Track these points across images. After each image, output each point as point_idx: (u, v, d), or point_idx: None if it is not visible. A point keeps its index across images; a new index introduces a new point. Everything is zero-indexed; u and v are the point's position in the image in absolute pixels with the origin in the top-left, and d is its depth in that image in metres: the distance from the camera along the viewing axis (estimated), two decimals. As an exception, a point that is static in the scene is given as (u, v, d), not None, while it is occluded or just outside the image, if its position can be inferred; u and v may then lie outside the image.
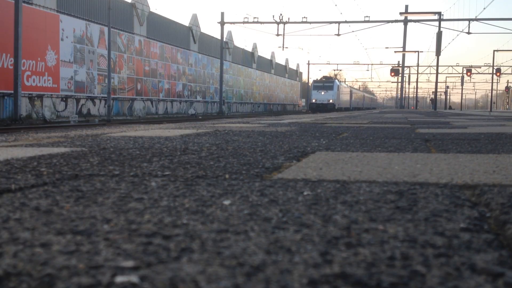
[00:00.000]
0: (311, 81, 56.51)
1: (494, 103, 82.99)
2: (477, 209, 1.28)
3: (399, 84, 51.88)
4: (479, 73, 65.95)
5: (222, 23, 36.04)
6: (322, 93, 45.78)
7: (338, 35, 35.05)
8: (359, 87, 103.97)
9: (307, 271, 0.79)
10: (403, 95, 51.08)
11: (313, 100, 46.13)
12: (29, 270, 0.78)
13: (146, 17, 29.81)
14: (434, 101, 58.00)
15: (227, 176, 1.84)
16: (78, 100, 23.07)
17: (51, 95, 21.09)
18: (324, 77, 49.00)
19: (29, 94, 19.62)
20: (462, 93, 54.73)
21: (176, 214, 1.20)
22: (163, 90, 31.33)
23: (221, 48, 36.78)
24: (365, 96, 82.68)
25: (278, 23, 35.10)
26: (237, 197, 1.42)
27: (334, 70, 71.05)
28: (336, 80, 48.51)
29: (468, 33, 33.16)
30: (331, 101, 45.62)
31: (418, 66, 58.77)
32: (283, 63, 63.93)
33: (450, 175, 1.87)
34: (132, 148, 2.95)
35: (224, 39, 38.10)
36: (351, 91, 60.25)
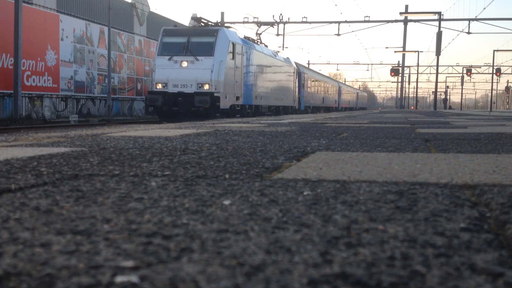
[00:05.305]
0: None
1: (494, 103, 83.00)
2: (477, 209, 1.28)
3: (399, 84, 51.60)
4: (479, 73, 65.97)
5: (222, 23, 36.05)
6: (184, 64, 17.84)
7: (338, 35, 35.01)
8: (359, 87, 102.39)
9: (307, 271, 0.79)
10: (403, 95, 50.52)
11: (157, 86, 17.84)
12: (29, 270, 0.78)
13: (146, 17, 29.79)
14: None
15: (227, 176, 1.84)
16: (78, 100, 23.06)
17: (51, 95, 21.08)
18: (193, 20, 20.24)
19: (29, 94, 19.60)
20: (462, 93, 54.75)
21: (176, 214, 1.20)
22: (163, 90, 31.27)
23: (220, 48, 36.60)
24: (343, 89, 52.16)
25: (278, 23, 35.08)
26: (237, 197, 1.42)
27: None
28: (226, 30, 19.53)
29: (468, 33, 33.15)
30: (206, 87, 17.52)
31: (418, 66, 58.75)
32: (283, 63, 63.66)
33: (450, 175, 1.87)
34: (132, 148, 2.95)
35: (224, 39, 37.85)
36: (299, 73, 31.39)
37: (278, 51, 28.32)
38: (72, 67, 22.53)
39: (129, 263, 0.82)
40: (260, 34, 28.63)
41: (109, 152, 2.66)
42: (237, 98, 19.53)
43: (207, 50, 18.02)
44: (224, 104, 18.15)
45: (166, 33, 18.81)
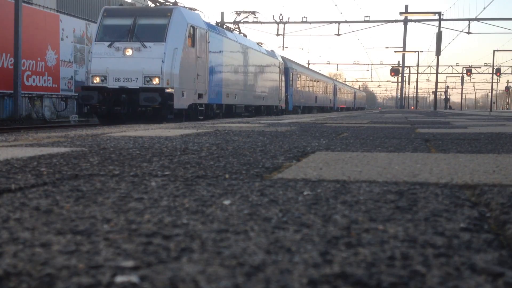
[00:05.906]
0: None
1: (494, 103, 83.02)
2: (477, 209, 1.28)
3: (399, 84, 51.45)
4: (479, 73, 66.04)
5: (222, 23, 36.04)
6: (128, 52, 13.64)
7: (338, 35, 35.02)
8: (359, 87, 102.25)
9: (307, 271, 0.79)
10: (403, 95, 50.27)
11: (94, 80, 13.64)
12: (29, 270, 0.78)
13: (146, 17, 29.76)
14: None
15: (227, 176, 1.84)
16: (78, 100, 23.06)
17: (51, 95, 21.07)
18: None
19: (29, 94, 19.60)
20: (462, 93, 54.77)
21: (176, 214, 1.20)
22: (163, 90, 31.22)
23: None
24: (339, 87, 48.26)
25: (278, 23, 35.08)
26: (237, 197, 1.42)
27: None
28: (184, 10, 14.83)
29: (468, 33, 33.16)
30: (156, 81, 13.39)
31: (418, 66, 58.70)
32: (283, 63, 63.59)
33: (450, 175, 1.87)
34: (132, 148, 2.95)
35: (224, 39, 37.68)
36: (286, 69, 27.28)
37: (261, 43, 24.19)
38: (72, 67, 22.53)
39: (129, 263, 0.82)
40: (239, 22, 24.64)
41: (109, 152, 2.66)
42: (200, 95, 15.36)
43: (158, 34, 13.82)
44: (180, 103, 14.03)
45: (108, 13, 14.50)
